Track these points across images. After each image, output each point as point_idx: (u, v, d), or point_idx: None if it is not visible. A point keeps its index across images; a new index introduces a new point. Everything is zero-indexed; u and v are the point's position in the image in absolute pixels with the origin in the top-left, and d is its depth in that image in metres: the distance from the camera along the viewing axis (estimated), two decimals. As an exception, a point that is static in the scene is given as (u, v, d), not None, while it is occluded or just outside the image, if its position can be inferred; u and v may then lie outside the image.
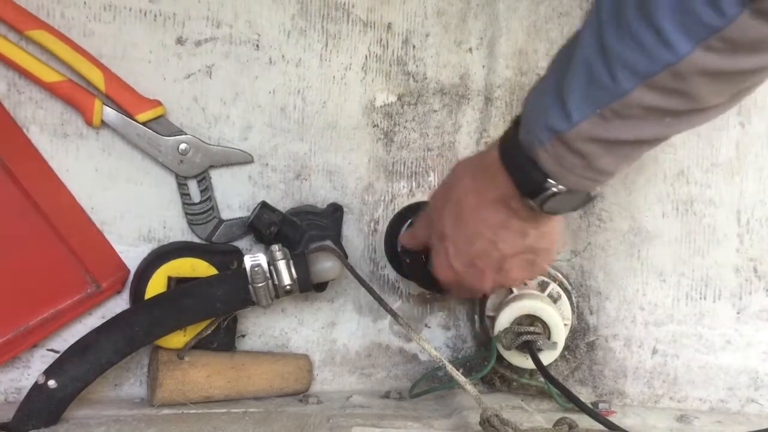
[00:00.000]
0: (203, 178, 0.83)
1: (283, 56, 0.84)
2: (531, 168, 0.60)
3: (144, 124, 0.80)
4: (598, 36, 0.53)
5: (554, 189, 0.60)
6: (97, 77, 0.79)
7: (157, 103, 0.80)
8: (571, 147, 0.57)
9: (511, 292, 0.84)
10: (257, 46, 0.84)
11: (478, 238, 0.68)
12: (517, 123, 0.63)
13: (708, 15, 0.46)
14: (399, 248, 0.82)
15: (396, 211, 0.87)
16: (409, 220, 0.83)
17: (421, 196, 0.87)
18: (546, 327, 0.80)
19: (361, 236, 0.87)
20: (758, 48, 0.47)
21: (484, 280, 0.70)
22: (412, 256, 0.79)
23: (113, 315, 0.75)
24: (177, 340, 0.78)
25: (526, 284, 0.84)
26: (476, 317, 0.88)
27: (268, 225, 0.80)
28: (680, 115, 0.54)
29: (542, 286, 0.85)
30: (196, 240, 0.83)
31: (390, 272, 0.88)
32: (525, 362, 0.81)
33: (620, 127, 0.55)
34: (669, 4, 0.48)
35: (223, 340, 0.82)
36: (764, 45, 0.47)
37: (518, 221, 0.66)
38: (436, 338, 0.89)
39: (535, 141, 0.59)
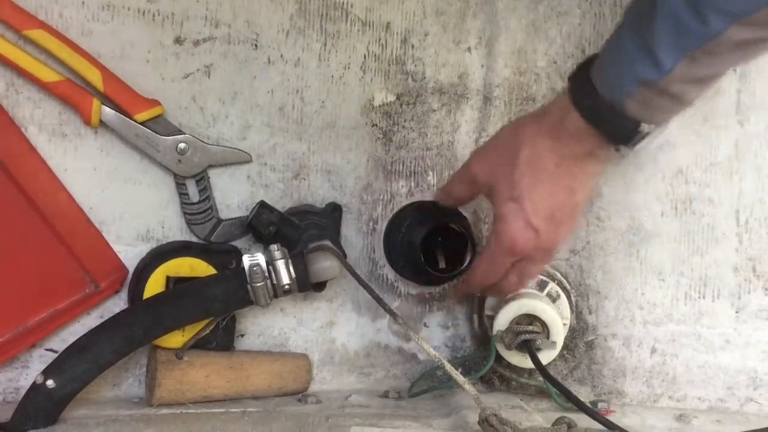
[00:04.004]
0: (202, 178, 0.83)
1: (281, 56, 0.84)
2: (620, 119, 0.65)
3: (142, 123, 0.80)
4: None
5: (646, 130, 0.65)
6: (95, 77, 0.78)
7: (156, 103, 0.80)
8: (663, 91, 0.61)
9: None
10: (256, 45, 0.84)
11: (559, 191, 0.71)
12: (582, 85, 0.66)
13: None
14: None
15: (395, 210, 0.87)
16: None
17: (420, 196, 0.87)
18: (545, 326, 0.80)
19: (359, 236, 0.87)
20: None
21: (559, 233, 0.73)
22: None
23: (112, 315, 0.75)
24: (175, 339, 0.78)
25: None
26: (475, 317, 0.88)
27: (266, 224, 0.80)
28: (765, 43, 0.58)
29: (541, 286, 0.85)
30: (195, 240, 0.83)
31: (389, 272, 0.88)
32: (524, 362, 0.81)
33: (710, 64, 0.59)
34: None
35: (221, 339, 0.82)
36: None
37: (598, 165, 0.71)
38: (435, 338, 0.89)
39: (620, 94, 0.63)
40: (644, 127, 0.64)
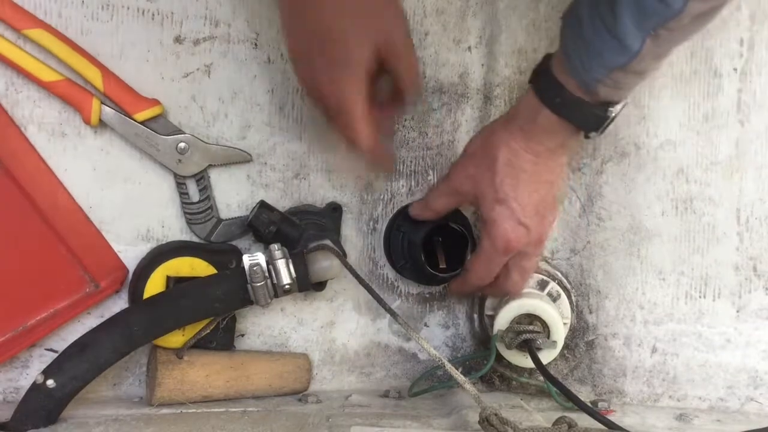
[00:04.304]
0: (202, 177, 0.83)
1: (281, 55, 0.84)
2: (592, 107, 0.69)
3: (142, 123, 0.80)
4: None
5: (614, 114, 0.69)
6: (95, 76, 0.78)
7: (156, 102, 0.80)
8: (631, 70, 0.65)
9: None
10: (255, 44, 0.83)
11: (540, 186, 0.75)
12: (549, 85, 0.69)
13: None
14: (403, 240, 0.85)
15: (395, 210, 0.87)
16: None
17: (420, 195, 0.87)
18: (545, 326, 0.80)
19: (360, 235, 0.87)
20: None
21: (545, 223, 0.77)
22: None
23: (112, 314, 0.75)
24: (176, 339, 0.78)
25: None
26: (475, 316, 0.88)
27: (266, 224, 0.80)
28: (717, 10, 0.61)
29: (542, 285, 0.85)
30: (195, 239, 0.83)
31: (389, 271, 0.88)
32: (524, 361, 0.81)
33: (670, 39, 0.63)
34: None
35: (222, 339, 0.82)
36: None
37: (570, 153, 0.76)
38: (435, 337, 0.89)
39: (592, 83, 0.66)
40: (611, 111, 0.69)
